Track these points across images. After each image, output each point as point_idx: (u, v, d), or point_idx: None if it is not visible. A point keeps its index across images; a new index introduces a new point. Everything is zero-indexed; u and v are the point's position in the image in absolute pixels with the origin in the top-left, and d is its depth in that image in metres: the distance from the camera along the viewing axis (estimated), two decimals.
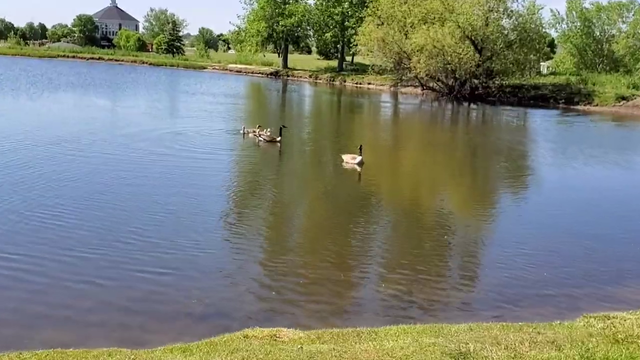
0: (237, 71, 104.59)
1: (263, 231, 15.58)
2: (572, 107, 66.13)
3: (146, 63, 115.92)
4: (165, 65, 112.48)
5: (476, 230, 16.96)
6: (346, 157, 26.13)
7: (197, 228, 15.26)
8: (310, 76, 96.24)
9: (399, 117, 54.39)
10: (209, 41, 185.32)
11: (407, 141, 36.48)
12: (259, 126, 33.36)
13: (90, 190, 18.54)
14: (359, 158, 25.83)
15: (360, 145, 26.60)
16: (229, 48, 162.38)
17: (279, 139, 31.04)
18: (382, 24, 77.70)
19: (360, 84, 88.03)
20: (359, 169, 25.01)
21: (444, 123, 50.47)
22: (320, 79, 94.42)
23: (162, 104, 49.88)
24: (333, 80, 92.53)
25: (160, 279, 12.10)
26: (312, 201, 19.15)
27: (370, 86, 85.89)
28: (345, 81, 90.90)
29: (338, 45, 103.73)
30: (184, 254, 13.47)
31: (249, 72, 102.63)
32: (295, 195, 19.85)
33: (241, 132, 33.42)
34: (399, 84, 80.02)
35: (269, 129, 32.61)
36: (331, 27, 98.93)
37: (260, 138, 31.07)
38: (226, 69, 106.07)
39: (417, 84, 76.14)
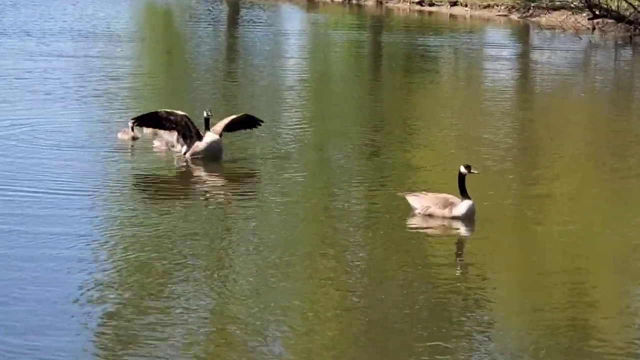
0: None
1: None
2: None
3: None
4: None
5: None
6: (423, 200, 12.71)
7: None
8: None
9: (552, 89, 27.02)
10: None
11: (578, 159, 17.30)
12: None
13: None
14: (463, 204, 12.40)
15: (467, 168, 12.33)
16: None
17: (204, 143, 15.50)
18: None
19: (433, 4, 43.79)
20: (464, 230, 12.43)
21: None
22: None
23: None
24: None
25: None
26: None
27: (457, 10, 43.18)
28: None
29: None
30: None
31: None
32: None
33: (124, 131, 16.84)
34: (530, 9, 40.35)
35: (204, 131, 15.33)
36: None
37: (181, 149, 15.66)
38: None
39: (577, 2, 37.72)
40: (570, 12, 37.52)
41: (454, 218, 12.30)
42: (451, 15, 42.94)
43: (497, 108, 22.20)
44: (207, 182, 15.39)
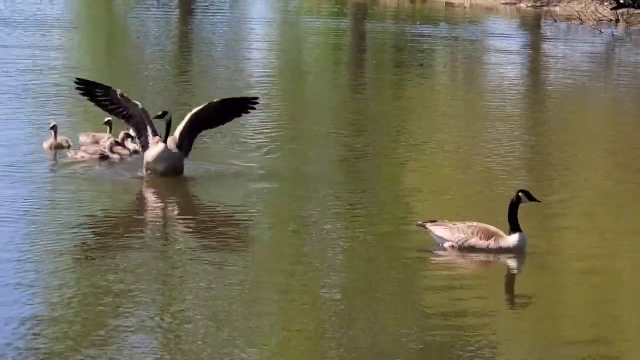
0: None
1: None
2: None
3: None
4: None
5: None
6: (456, 231, 12.53)
7: None
8: None
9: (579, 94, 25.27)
10: None
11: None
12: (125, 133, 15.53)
13: None
14: (514, 234, 12.16)
15: (526, 195, 12.23)
16: None
17: (151, 155, 14.41)
18: None
19: None
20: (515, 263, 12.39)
21: None
22: None
23: None
24: None
25: None
26: None
27: None
28: None
29: None
30: None
31: None
32: None
33: (50, 141, 15.74)
34: None
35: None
36: None
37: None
38: None
39: None
40: (590, 0, 36.79)
41: (500, 250, 12.09)
42: (447, 4, 42.19)
43: (503, 111, 21.27)
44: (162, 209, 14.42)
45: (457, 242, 12.11)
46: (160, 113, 14.13)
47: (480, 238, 12.04)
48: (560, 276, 11.72)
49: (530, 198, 11.93)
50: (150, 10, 37.04)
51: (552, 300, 10.97)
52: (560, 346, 9.28)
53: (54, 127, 14.86)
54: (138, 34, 33.04)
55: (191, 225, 12.93)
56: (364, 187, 14.80)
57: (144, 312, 9.67)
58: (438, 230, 12.19)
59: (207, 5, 39.49)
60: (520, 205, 11.80)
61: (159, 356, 8.65)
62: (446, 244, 12.08)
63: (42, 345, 8.72)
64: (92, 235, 12.04)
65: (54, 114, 17.44)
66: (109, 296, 9.86)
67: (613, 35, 33.58)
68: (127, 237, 12.02)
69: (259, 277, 10.78)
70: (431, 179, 15.68)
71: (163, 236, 12.50)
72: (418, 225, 12.09)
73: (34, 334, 8.87)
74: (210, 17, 36.21)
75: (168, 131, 13.87)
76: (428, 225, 12.11)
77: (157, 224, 13.08)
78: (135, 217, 13.34)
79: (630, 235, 13.03)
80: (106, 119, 15.25)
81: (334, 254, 11.97)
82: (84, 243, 11.71)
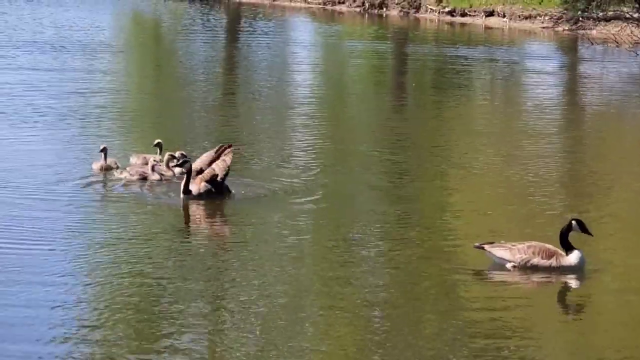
0: None
1: None
2: None
3: None
4: None
5: None
6: (517, 252, 12.36)
7: None
8: None
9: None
10: None
11: None
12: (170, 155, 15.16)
13: None
14: (575, 253, 12.14)
15: (579, 224, 12.09)
16: None
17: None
18: None
19: (465, 14, 43.57)
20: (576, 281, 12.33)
21: None
22: (342, 1, 46.63)
23: None
24: (381, 5, 45.35)
25: None
26: None
27: (493, 21, 42.65)
28: (415, 5, 44.80)
29: None
30: None
31: None
32: None
33: (101, 163, 15.37)
34: (579, 20, 39.21)
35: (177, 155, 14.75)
36: None
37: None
38: None
39: (634, 12, 37.17)
40: (626, 24, 36.44)
41: (562, 269, 11.99)
42: (487, 27, 42.74)
43: (541, 131, 21.09)
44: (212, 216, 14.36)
45: (519, 263, 11.96)
46: (180, 162, 14.15)
47: (542, 257, 11.95)
48: (612, 294, 11.59)
49: (583, 229, 11.78)
50: (196, 35, 37.28)
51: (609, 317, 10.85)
52: None
53: (103, 150, 14.71)
54: (183, 58, 32.78)
55: (237, 241, 12.80)
56: (407, 206, 14.60)
57: (192, 319, 9.72)
58: (498, 251, 12.02)
59: (251, 30, 39.62)
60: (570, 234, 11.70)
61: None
62: (508, 265, 11.94)
63: (98, 350, 8.88)
64: (136, 251, 11.88)
65: (105, 136, 17.53)
66: (158, 305, 9.99)
67: None
68: (173, 254, 11.92)
69: (304, 291, 10.72)
70: (473, 198, 15.52)
71: (210, 251, 12.35)
72: (476, 247, 11.84)
73: (91, 340, 9.01)
74: (255, 41, 36.21)
75: (189, 179, 13.77)
76: (486, 247, 11.92)
77: (203, 240, 12.96)
78: (181, 234, 13.15)
79: None
80: (156, 141, 15.24)
81: (380, 271, 11.81)
82: (131, 257, 11.66)
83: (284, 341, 9.32)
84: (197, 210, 13.95)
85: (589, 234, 11.73)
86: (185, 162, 13.85)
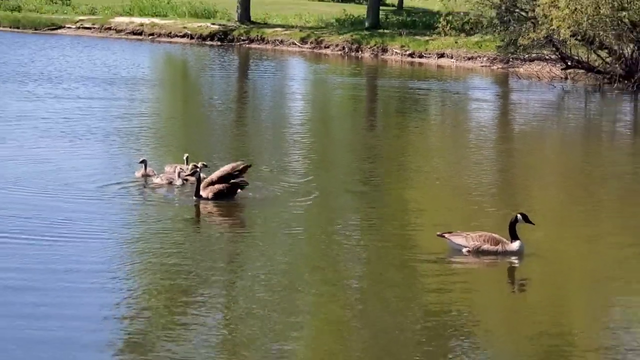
0: (134, 33, 53.50)
1: None
2: None
3: None
4: None
5: None
6: (470, 239, 12.47)
7: None
8: (302, 40, 49.31)
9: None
10: None
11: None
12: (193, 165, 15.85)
13: None
14: (516, 242, 12.39)
15: (524, 217, 12.55)
16: None
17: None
18: None
19: (422, 56, 45.76)
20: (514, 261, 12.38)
21: None
22: (327, 46, 48.43)
23: None
24: (357, 49, 47.48)
25: None
26: None
27: (444, 61, 44.81)
28: (383, 49, 46.78)
29: None
30: None
31: (159, 35, 52.95)
32: None
33: (142, 172, 16.25)
34: (510, 60, 41.57)
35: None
36: None
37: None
38: (107, 28, 54.43)
39: (551, 55, 38.44)
40: (546, 63, 38.99)
41: (506, 254, 12.34)
42: (439, 66, 44.39)
43: (481, 145, 23.08)
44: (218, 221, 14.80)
45: (473, 248, 12.19)
46: (190, 172, 15.14)
47: (490, 244, 12.20)
48: (551, 273, 12.19)
49: (527, 220, 12.21)
50: (215, 72, 39.26)
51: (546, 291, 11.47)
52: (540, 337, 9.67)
53: (143, 161, 15.88)
54: (205, 90, 34.35)
55: (242, 232, 14.04)
56: (378, 205, 15.59)
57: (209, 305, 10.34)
58: (456, 239, 12.29)
59: (258, 68, 42.51)
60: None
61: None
62: (464, 250, 12.24)
63: (134, 337, 9.31)
64: (157, 246, 12.67)
65: (144, 151, 18.49)
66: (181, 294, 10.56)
67: (563, 89, 36.29)
68: (188, 249, 12.59)
69: (296, 280, 11.28)
70: (431, 197, 16.68)
71: (220, 247, 13.12)
72: (438, 235, 12.20)
73: (126, 330, 9.48)
74: (261, 77, 38.69)
75: (199, 185, 14.61)
76: (447, 235, 12.25)
77: (213, 236, 13.73)
78: (196, 230, 14.04)
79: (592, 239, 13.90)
80: (185, 155, 16.36)
81: (357, 258, 12.56)
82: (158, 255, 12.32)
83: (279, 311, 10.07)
84: (206, 208, 14.73)
85: (532, 223, 12.26)
86: (194, 172, 14.83)
